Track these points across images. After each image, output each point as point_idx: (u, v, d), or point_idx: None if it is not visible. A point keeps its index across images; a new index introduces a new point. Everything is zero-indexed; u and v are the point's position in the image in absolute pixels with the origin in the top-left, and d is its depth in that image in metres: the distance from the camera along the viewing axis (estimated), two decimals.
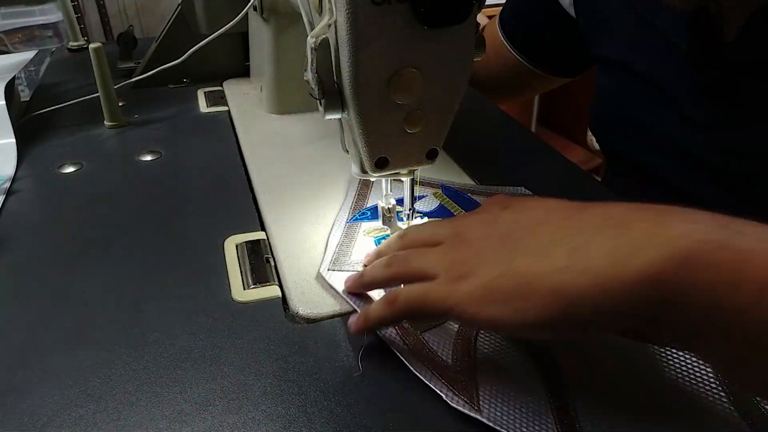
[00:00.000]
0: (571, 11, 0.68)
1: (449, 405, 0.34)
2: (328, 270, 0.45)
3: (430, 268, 0.36)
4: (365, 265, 0.44)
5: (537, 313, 0.30)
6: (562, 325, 0.30)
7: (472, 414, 0.33)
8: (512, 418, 0.33)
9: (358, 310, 0.40)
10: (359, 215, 0.51)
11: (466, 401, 0.34)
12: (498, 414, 0.33)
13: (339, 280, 0.43)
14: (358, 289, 0.42)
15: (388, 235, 0.48)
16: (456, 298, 0.33)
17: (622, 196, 0.62)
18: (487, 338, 0.39)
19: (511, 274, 0.32)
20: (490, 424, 0.33)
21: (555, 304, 0.29)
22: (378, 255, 0.43)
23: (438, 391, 0.35)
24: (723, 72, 0.52)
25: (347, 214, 0.52)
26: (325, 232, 0.50)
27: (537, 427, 0.33)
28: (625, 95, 0.64)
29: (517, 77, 0.79)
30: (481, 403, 0.34)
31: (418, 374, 0.36)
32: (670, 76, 0.57)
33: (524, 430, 0.32)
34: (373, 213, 0.51)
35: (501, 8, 0.78)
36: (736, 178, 0.54)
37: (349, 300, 0.42)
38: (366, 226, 0.50)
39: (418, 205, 0.53)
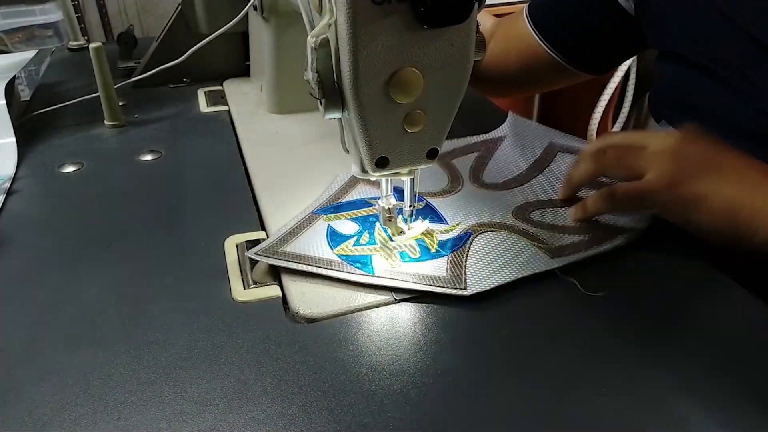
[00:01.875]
0: (627, 5, 0.65)
1: (449, 404, 0.34)
2: (256, 254, 0.46)
3: (641, 168, 0.45)
4: (562, 199, 0.54)
5: (730, 232, 0.43)
6: (746, 239, 0.42)
7: (456, 292, 0.42)
8: (502, 273, 0.44)
9: (300, 267, 0.44)
10: (331, 207, 0.52)
11: (453, 287, 0.42)
12: (485, 281, 0.43)
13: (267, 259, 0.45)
14: (568, 192, 0.53)
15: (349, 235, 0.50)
16: (672, 200, 0.44)
17: None
18: (481, 241, 0.48)
19: (722, 199, 0.43)
20: (474, 290, 0.42)
21: (747, 230, 0.42)
22: (569, 179, 0.53)
23: (425, 288, 0.42)
24: None
25: (314, 206, 0.52)
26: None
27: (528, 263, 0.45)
28: (693, 87, 0.61)
29: (541, 71, 0.75)
30: (467, 281, 0.43)
31: (408, 285, 0.42)
32: (752, 75, 0.55)
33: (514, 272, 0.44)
34: (342, 207, 0.52)
35: (527, 3, 0.75)
36: None
37: (291, 265, 0.44)
38: (329, 215, 0.51)
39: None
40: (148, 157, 0.64)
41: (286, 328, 0.41)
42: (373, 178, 0.44)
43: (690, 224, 0.45)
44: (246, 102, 0.77)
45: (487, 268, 0.44)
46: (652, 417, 0.34)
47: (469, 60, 0.39)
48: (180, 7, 0.80)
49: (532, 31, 0.72)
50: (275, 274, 0.45)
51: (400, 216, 0.48)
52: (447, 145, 0.63)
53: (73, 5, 1.03)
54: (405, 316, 0.41)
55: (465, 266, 0.45)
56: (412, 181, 0.45)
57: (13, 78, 0.72)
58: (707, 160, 0.45)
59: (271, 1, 0.64)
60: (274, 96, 0.72)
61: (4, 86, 0.67)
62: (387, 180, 0.46)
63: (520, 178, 0.58)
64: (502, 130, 0.66)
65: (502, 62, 0.77)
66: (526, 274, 0.44)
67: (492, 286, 0.43)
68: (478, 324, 0.41)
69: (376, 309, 0.42)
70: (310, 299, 0.43)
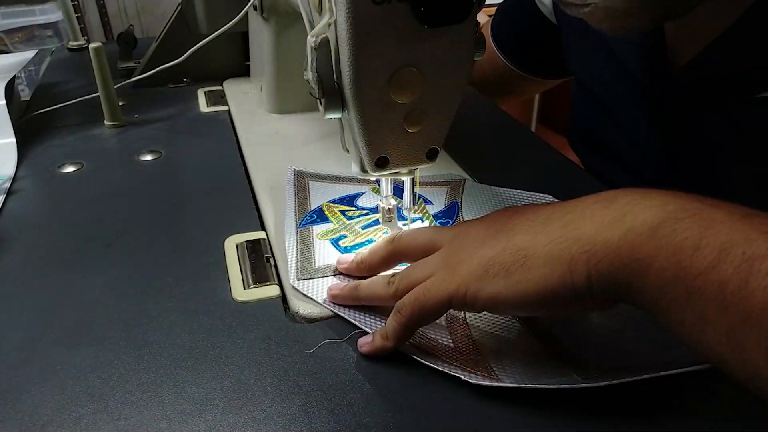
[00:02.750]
0: (553, 18, 0.68)
1: (449, 404, 0.34)
2: (298, 280, 0.44)
3: (431, 273, 0.36)
4: (340, 273, 0.44)
5: (536, 284, 0.31)
6: (558, 296, 0.31)
7: (494, 384, 0.34)
8: (532, 375, 0.35)
9: (347, 317, 0.40)
10: (308, 218, 0.50)
11: (485, 374, 0.35)
12: (517, 376, 0.35)
13: (315, 289, 0.43)
14: (352, 302, 0.41)
15: (343, 236, 0.48)
16: (457, 281, 0.34)
17: None
18: (477, 317, 0.41)
19: (510, 249, 0.33)
20: (515, 385, 0.34)
21: (552, 272, 0.31)
22: (361, 262, 0.43)
23: (455, 374, 0.35)
24: (670, 100, 0.52)
25: (294, 220, 0.50)
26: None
27: (555, 378, 0.35)
28: (589, 112, 0.66)
29: (508, 81, 0.81)
30: (497, 372, 0.35)
31: (431, 364, 0.36)
32: (623, 102, 0.58)
33: (545, 381, 0.34)
34: (319, 215, 0.51)
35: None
36: None
37: (333, 308, 0.41)
38: (318, 229, 0.49)
39: (430, 208, 0.53)
40: (148, 157, 0.64)
41: (286, 328, 0.41)
42: (373, 178, 0.44)
43: (494, 305, 0.34)
44: (246, 102, 0.77)
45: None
46: None
47: (469, 60, 0.39)
48: (180, 7, 0.80)
49: (492, 44, 0.77)
50: (275, 274, 0.46)
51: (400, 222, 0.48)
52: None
53: (73, 5, 1.03)
54: None
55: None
56: (412, 180, 0.45)
57: (13, 78, 0.72)
58: (489, 229, 0.36)
59: (271, 1, 0.64)
60: (274, 96, 0.72)
61: (4, 86, 0.67)
62: (387, 180, 0.46)
63: None
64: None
65: (479, 72, 0.79)
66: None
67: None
68: None
69: None
70: (310, 299, 0.42)
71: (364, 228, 0.50)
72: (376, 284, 0.40)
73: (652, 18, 0.44)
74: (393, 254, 0.41)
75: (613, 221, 0.30)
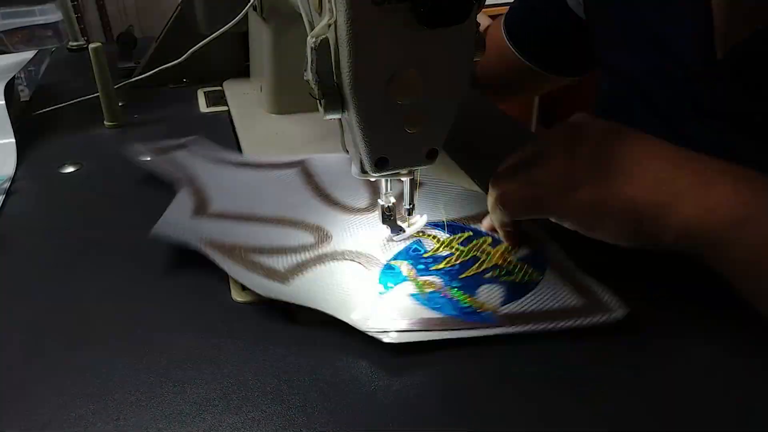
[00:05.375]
0: (579, 11, 0.67)
1: (449, 404, 0.34)
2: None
3: (536, 183, 0.42)
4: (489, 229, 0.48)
5: (645, 237, 0.38)
6: (654, 241, 0.38)
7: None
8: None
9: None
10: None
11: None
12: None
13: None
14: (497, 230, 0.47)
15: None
16: (570, 207, 0.40)
17: None
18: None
19: (620, 200, 0.38)
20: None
21: (654, 229, 0.38)
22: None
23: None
24: (717, 86, 0.51)
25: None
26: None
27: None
28: (624, 105, 0.64)
29: (519, 78, 0.79)
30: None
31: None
32: (667, 94, 0.57)
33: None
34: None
35: (507, 9, 0.78)
36: None
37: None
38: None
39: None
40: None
41: (286, 328, 0.41)
42: (372, 178, 0.44)
43: (594, 231, 0.40)
44: (246, 102, 0.77)
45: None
46: None
47: (469, 60, 0.39)
48: (180, 7, 0.80)
49: (506, 39, 0.75)
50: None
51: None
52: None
53: (72, 5, 1.03)
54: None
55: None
56: (412, 180, 0.45)
57: (13, 78, 0.72)
58: (601, 160, 0.40)
59: (271, 1, 0.64)
60: (274, 96, 0.72)
61: (3, 86, 0.67)
62: (386, 180, 0.46)
63: None
64: None
65: (484, 68, 0.78)
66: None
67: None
68: None
69: None
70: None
71: (464, 244, 0.48)
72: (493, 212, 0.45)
73: None
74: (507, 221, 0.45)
75: (707, 209, 0.36)
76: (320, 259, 0.46)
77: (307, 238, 0.48)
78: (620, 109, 0.65)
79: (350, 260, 0.46)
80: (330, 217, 0.51)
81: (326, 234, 0.49)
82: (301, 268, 0.44)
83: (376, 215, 0.49)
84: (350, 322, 0.39)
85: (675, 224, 0.37)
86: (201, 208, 0.51)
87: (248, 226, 0.49)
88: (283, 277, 0.43)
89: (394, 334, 0.38)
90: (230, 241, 0.46)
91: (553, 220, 0.42)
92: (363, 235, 0.49)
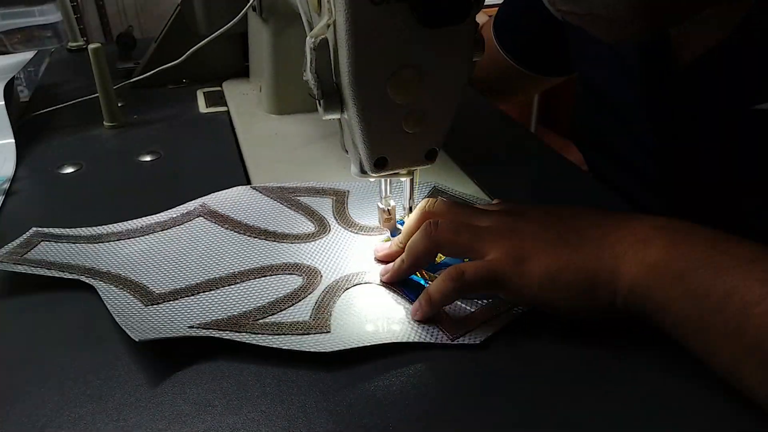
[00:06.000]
0: (559, 15, 0.68)
1: (449, 404, 0.34)
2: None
3: (481, 247, 0.40)
4: (379, 260, 0.46)
5: (600, 303, 0.38)
6: (613, 313, 0.38)
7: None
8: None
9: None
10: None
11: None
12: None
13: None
14: (391, 262, 0.44)
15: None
16: (526, 280, 0.38)
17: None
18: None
19: (573, 268, 0.38)
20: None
21: (606, 293, 0.38)
22: (403, 238, 0.45)
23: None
24: (671, 100, 0.52)
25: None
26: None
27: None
28: (593, 111, 0.66)
29: (510, 80, 0.81)
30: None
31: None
32: (626, 100, 0.58)
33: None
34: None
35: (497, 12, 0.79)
36: (683, 205, 0.56)
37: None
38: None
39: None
40: (148, 158, 0.64)
41: None
42: (372, 179, 0.44)
43: (546, 304, 0.39)
44: (245, 102, 0.77)
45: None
46: None
47: (468, 60, 0.39)
48: (179, 7, 0.80)
49: (495, 42, 0.77)
50: None
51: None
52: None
53: (72, 6, 1.03)
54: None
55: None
56: (412, 181, 0.46)
57: (13, 79, 0.72)
58: (548, 235, 0.40)
59: (270, 1, 0.64)
60: (274, 96, 0.72)
61: (3, 87, 0.67)
62: (386, 180, 0.46)
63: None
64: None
65: (480, 71, 0.79)
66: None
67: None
68: None
69: None
70: None
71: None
72: (417, 240, 0.42)
73: (649, 26, 0.44)
74: (431, 246, 0.42)
75: (648, 265, 0.36)
76: (330, 293, 0.43)
77: (295, 280, 0.44)
78: (591, 113, 0.67)
79: (361, 283, 0.44)
80: (293, 251, 0.47)
81: (310, 269, 0.45)
82: (322, 311, 0.41)
83: (336, 235, 0.49)
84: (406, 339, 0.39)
85: (622, 285, 0.37)
86: (144, 295, 0.42)
87: (221, 292, 0.43)
88: (317, 327, 0.40)
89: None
90: (225, 315, 0.40)
91: (506, 298, 0.41)
92: (350, 257, 0.47)
